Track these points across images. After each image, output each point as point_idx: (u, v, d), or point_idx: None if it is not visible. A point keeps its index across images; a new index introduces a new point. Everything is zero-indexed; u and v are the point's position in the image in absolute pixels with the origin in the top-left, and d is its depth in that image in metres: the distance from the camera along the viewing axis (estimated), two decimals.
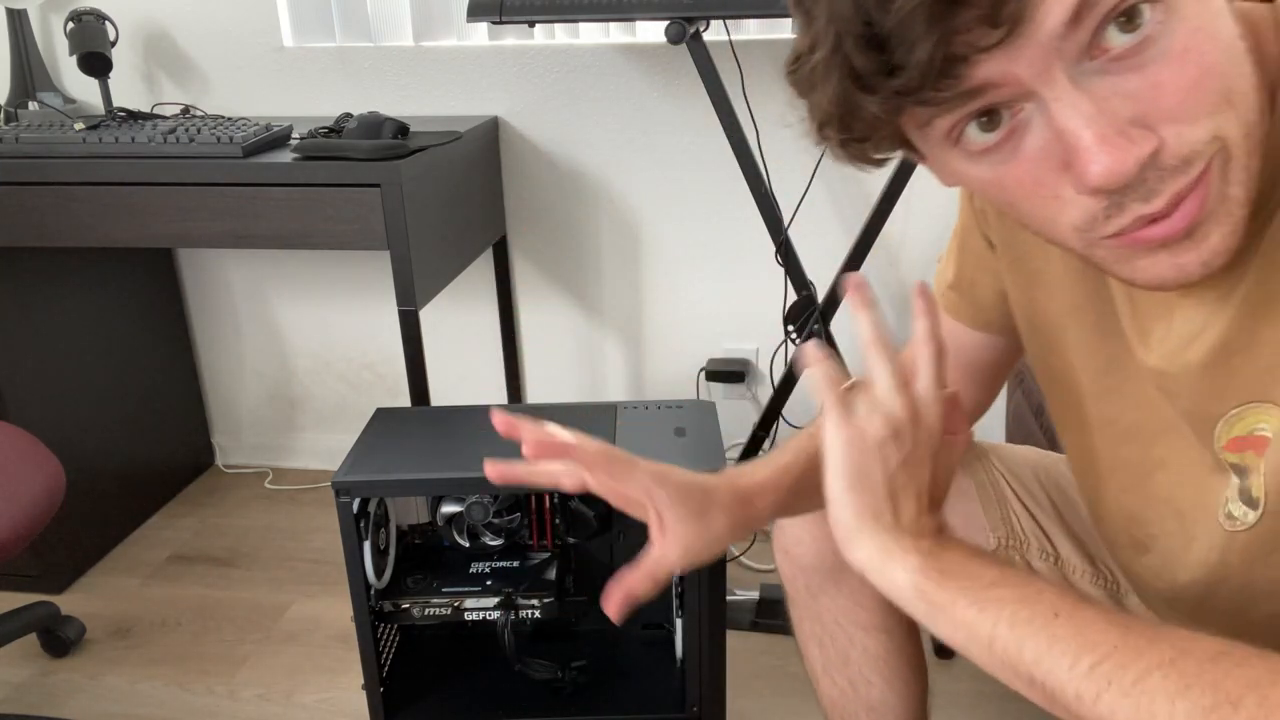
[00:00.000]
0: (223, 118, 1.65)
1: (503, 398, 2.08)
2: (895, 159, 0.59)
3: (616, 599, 0.72)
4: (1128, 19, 0.47)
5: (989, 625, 0.56)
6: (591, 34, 1.81)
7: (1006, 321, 0.83)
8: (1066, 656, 0.52)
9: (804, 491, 0.80)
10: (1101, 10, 0.47)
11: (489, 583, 1.27)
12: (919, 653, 1.02)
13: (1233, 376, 0.59)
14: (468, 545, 1.34)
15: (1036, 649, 0.54)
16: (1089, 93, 0.48)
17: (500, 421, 0.73)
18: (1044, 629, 0.54)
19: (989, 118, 0.51)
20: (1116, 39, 0.48)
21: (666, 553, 0.73)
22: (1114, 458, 0.74)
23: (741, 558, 1.81)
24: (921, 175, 1.49)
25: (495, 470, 0.73)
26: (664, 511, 0.73)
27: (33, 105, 1.85)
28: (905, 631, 0.99)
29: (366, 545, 1.20)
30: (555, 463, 0.73)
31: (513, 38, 1.84)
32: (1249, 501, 0.60)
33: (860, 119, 0.53)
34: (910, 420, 0.62)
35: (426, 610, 1.26)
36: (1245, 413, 0.60)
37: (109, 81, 1.81)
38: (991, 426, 1.77)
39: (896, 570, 0.60)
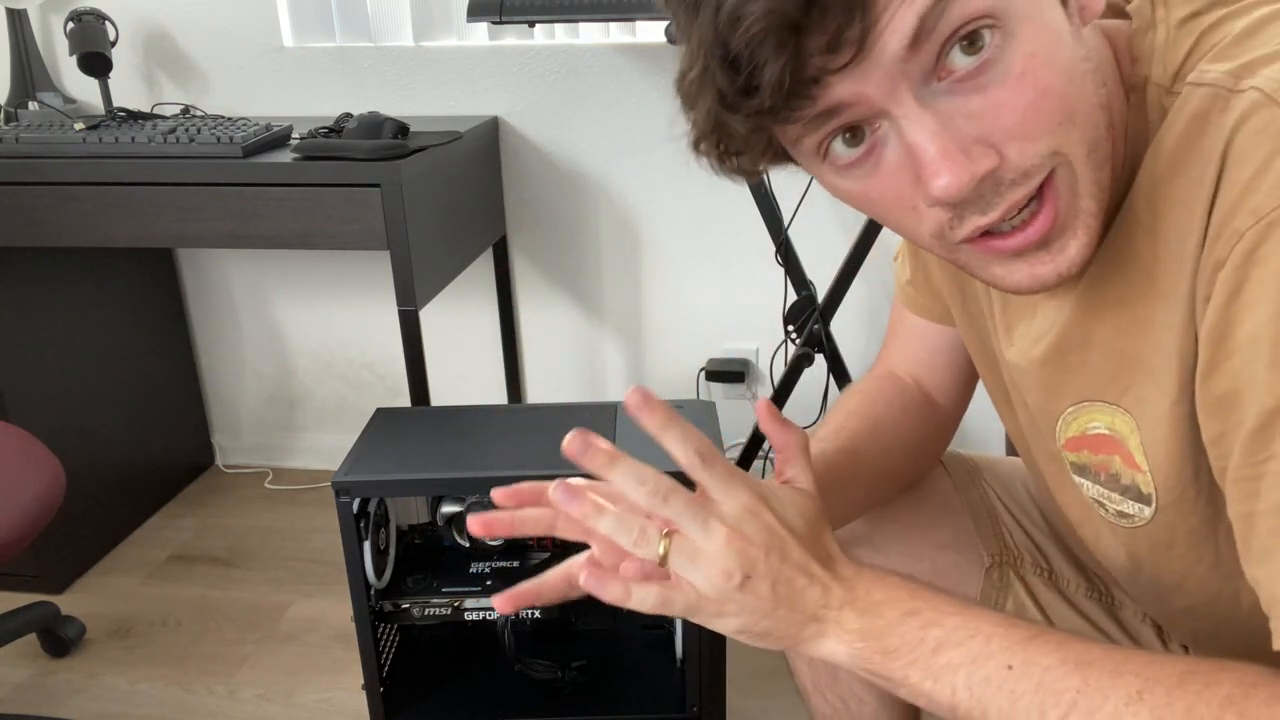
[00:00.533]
0: (223, 118, 1.65)
1: (503, 398, 2.08)
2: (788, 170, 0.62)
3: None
4: (970, 42, 0.50)
5: (947, 694, 0.55)
6: (591, 34, 1.81)
7: None
8: (1032, 712, 0.52)
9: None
10: (941, 35, 0.49)
11: (489, 583, 1.27)
12: None
13: (1069, 374, 0.62)
14: (468, 545, 1.34)
15: (1001, 710, 0.53)
16: (934, 111, 0.51)
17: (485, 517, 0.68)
18: (1002, 687, 0.53)
19: (852, 134, 0.54)
20: (960, 60, 0.50)
21: None
22: (1024, 452, 0.79)
23: None
24: None
25: (479, 523, 0.68)
26: None
27: (33, 105, 1.85)
28: None
29: (366, 545, 1.20)
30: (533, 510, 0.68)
31: (513, 38, 1.84)
32: (1140, 499, 0.63)
33: (730, 135, 0.56)
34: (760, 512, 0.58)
35: (426, 610, 1.26)
36: (1079, 412, 0.63)
37: (109, 81, 1.81)
38: (989, 440, 1.77)
39: (841, 655, 0.58)
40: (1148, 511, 0.63)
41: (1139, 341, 0.58)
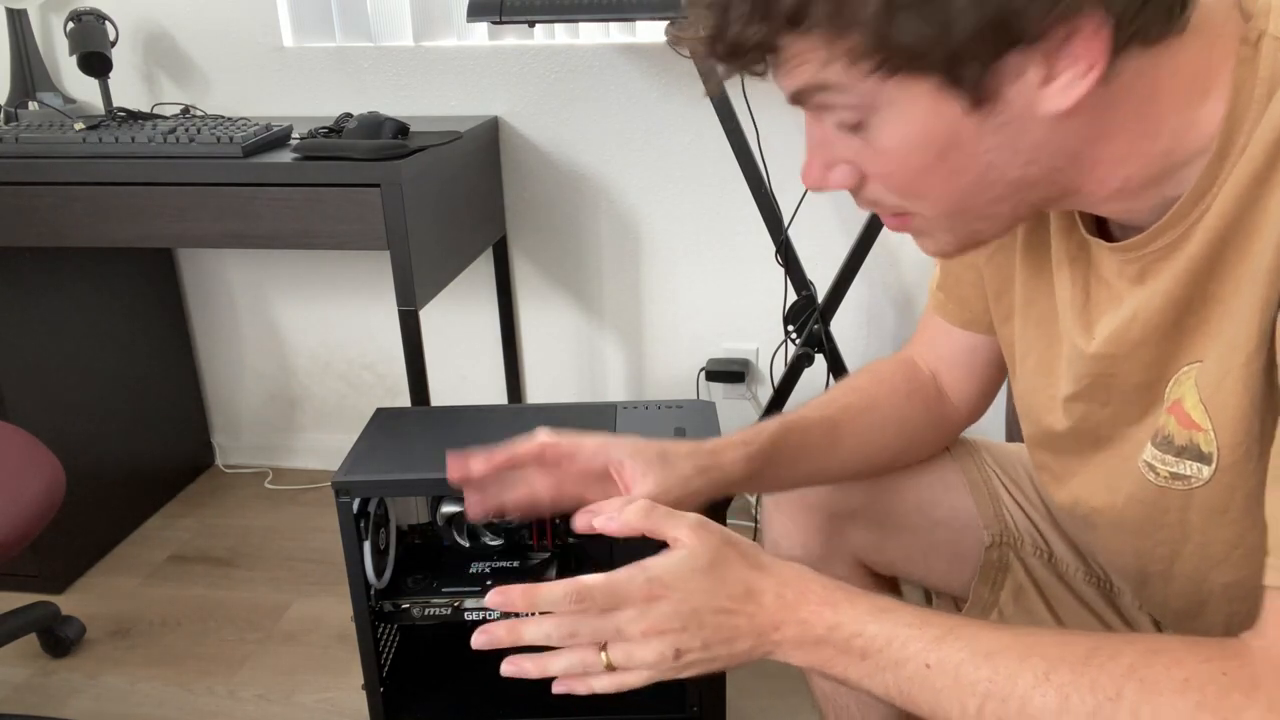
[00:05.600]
0: (223, 118, 1.65)
1: (503, 398, 2.08)
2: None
3: (585, 519, 0.72)
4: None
5: (882, 690, 0.60)
6: (591, 34, 1.81)
7: (989, 319, 0.86)
8: (954, 705, 0.56)
9: (777, 459, 0.85)
10: (809, 109, 0.61)
11: (489, 583, 1.27)
12: None
13: (1185, 336, 0.63)
14: (468, 545, 1.34)
15: (929, 702, 0.58)
16: (821, 128, 0.62)
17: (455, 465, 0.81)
18: (925, 685, 0.58)
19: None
20: (842, 114, 0.60)
21: (637, 488, 0.77)
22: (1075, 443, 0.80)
23: None
24: None
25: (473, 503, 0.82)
26: (623, 464, 0.78)
27: (33, 105, 1.85)
28: None
29: (366, 545, 1.20)
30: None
31: (513, 38, 1.84)
32: (1199, 458, 0.62)
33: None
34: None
35: (426, 610, 1.26)
36: (1191, 372, 0.63)
37: (109, 81, 1.81)
38: (990, 426, 1.77)
39: (795, 661, 0.63)
40: (1206, 471, 0.62)
41: (1232, 295, 0.58)
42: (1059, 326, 0.74)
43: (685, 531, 0.65)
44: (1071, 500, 0.78)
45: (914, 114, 0.56)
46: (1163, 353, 0.64)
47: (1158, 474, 0.66)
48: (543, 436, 0.80)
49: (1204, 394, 0.60)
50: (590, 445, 0.80)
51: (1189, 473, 0.63)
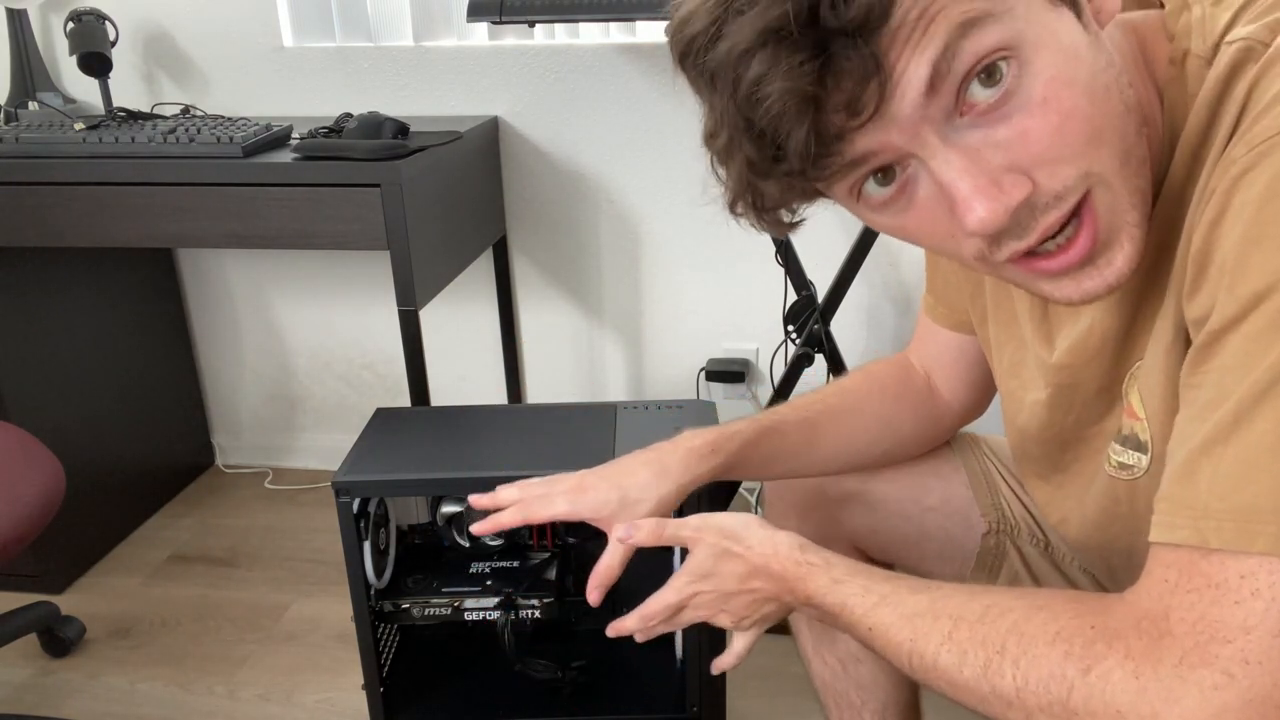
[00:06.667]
0: (223, 118, 1.65)
1: (503, 398, 2.08)
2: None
3: (596, 595, 0.85)
4: (988, 75, 0.50)
5: (854, 629, 0.68)
6: (591, 34, 1.81)
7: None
8: (899, 657, 0.63)
9: (750, 462, 0.90)
10: (957, 76, 0.50)
11: (489, 583, 1.27)
12: None
13: (1135, 341, 0.64)
14: (468, 545, 1.34)
15: (882, 654, 0.65)
16: (961, 147, 0.52)
17: (474, 500, 0.93)
18: (872, 643, 0.66)
19: (883, 174, 0.55)
20: (980, 94, 0.51)
21: (616, 533, 0.84)
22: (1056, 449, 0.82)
23: None
24: None
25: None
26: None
27: (33, 105, 1.85)
28: None
29: (366, 545, 1.20)
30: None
31: (513, 38, 1.84)
32: (1138, 447, 0.65)
33: (764, 195, 0.58)
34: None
35: (426, 610, 1.26)
36: (1138, 370, 0.65)
37: (109, 81, 1.81)
38: (993, 427, 1.77)
39: (810, 614, 0.75)
40: (1144, 461, 0.64)
41: (1165, 293, 0.59)
42: (1022, 332, 0.76)
43: (690, 534, 0.79)
44: (1054, 512, 0.81)
45: (1058, 37, 0.51)
46: (1117, 357, 0.66)
47: (1110, 463, 0.69)
48: (508, 495, 0.91)
49: (1141, 385, 0.63)
50: (551, 507, 0.88)
51: (1132, 462, 0.66)
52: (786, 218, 0.62)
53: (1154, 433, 0.62)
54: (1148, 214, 0.56)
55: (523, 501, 0.89)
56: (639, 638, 0.82)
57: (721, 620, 0.79)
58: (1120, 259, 0.55)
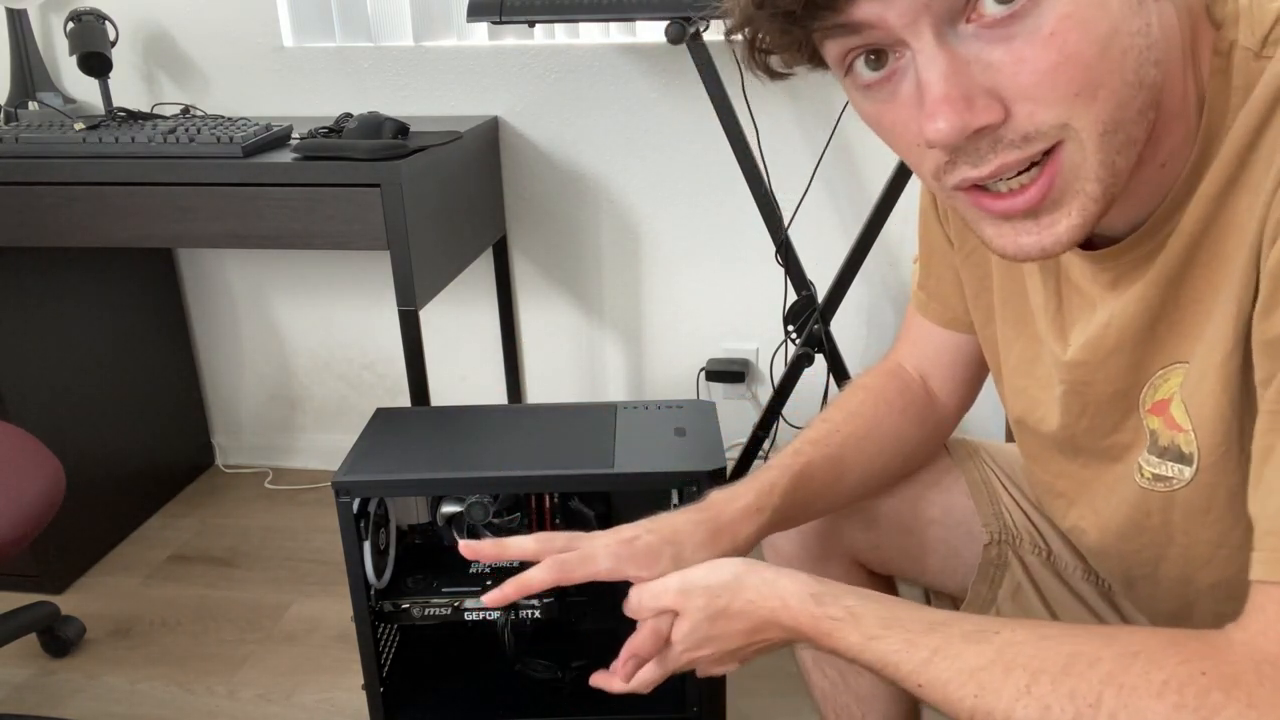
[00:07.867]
0: (223, 118, 1.65)
1: (503, 398, 2.08)
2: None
3: (600, 680, 0.79)
4: None
5: (900, 684, 0.62)
6: (591, 34, 1.81)
7: (969, 319, 0.86)
8: (958, 712, 0.58)
9: (790, 512, 0.84)
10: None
11: (489, 583, 1.27)
12: None
13: (1158, 343, 0.62)
14: None
15: (938, 708, 0.60)
16: (952, 53, 0.51)
17: (465, 549, 0.82)
18: (925, 699, 0.60)
19: (876, 56, 0.54)
20: (991, 6, 0.49)
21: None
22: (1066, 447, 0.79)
23: None
24: None
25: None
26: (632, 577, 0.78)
27: (33, 105, 1.85)
28: None
29: (366, 545, 1.20)
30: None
31: (513, 38, 1.84)
32: (1180, 459, 0.62)
33: (760, 34, 0.57)
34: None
35: (426, 610, 1.26)
36: (1168, 374, 0.63)
37: (109, 81, 1.81)
38: (992, 428, 1.77)
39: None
40: (1187, 472, 0.62)
41: (1209, 297, 0.58)
42: (1036, 328, 0.74)
43: (671, 601, 0.72)
44: (1067, 518, 0.78)
45: None
46: (1137, 359, 0.64)
47: (1143, 475, 0.66)
48: (522, 548, 0.81)
49: (1185, 395, 0.60)
50: (593, 565, 0.78)
51: (1170, 474, 0.64)
52: (778, 66, 0.61)
53: (1201, 444, 0.60)
54: (1112, 195, 0.54)
55: (556, 561, 0.77)
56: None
57: (728, 668, 0.75)
58: (1063, 226, 0.54)
